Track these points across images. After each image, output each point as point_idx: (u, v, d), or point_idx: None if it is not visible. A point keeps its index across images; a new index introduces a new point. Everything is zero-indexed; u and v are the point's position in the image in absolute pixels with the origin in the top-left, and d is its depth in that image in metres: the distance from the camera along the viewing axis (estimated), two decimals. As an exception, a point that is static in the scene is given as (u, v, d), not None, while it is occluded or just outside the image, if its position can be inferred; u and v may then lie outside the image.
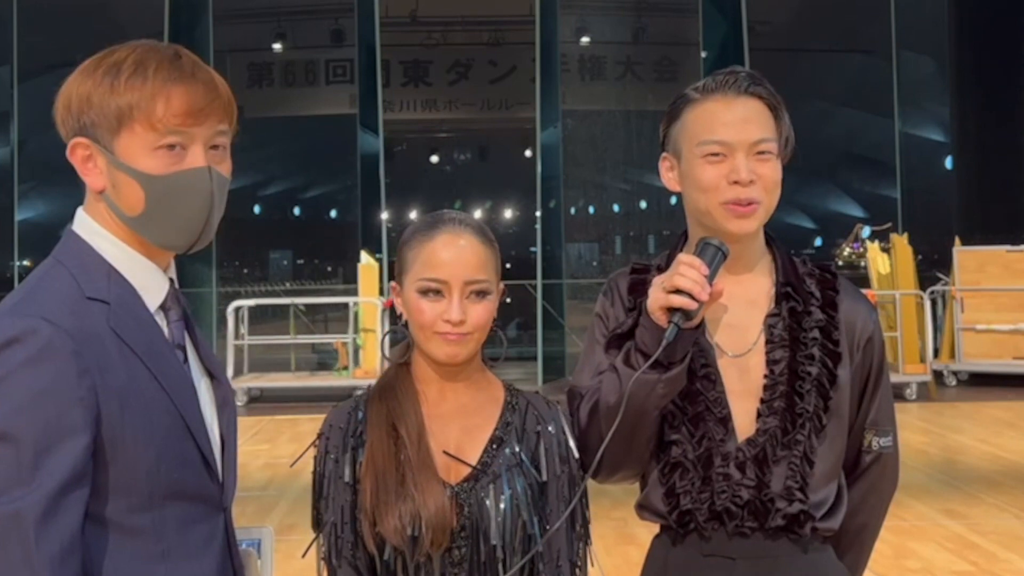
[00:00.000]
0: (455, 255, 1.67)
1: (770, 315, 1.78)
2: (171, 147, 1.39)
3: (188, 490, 1.40)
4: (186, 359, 1.47)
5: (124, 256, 1.42)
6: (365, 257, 11.91)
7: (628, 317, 1.80)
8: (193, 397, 1.44)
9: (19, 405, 1.28)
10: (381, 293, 11.17)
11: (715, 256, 1.65)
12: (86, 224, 1.44)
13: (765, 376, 1.75)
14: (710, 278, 1.62)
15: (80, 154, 1.41)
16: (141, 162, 1.39)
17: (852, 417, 1.82)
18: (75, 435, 1.30)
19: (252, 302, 11.86)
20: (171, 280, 1.48)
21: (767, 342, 1.76)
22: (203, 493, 1.44)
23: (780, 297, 1.78)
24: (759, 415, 1.74)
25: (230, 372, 10.90)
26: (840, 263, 16.29)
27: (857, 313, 1.81)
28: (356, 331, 11.34)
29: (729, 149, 1.72)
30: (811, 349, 1.75)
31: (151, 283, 1.44)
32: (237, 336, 11.29)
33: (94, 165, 1.41)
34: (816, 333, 1.76)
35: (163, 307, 1.45)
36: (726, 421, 1.74)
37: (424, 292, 1.68)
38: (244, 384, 11.09)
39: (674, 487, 1.76)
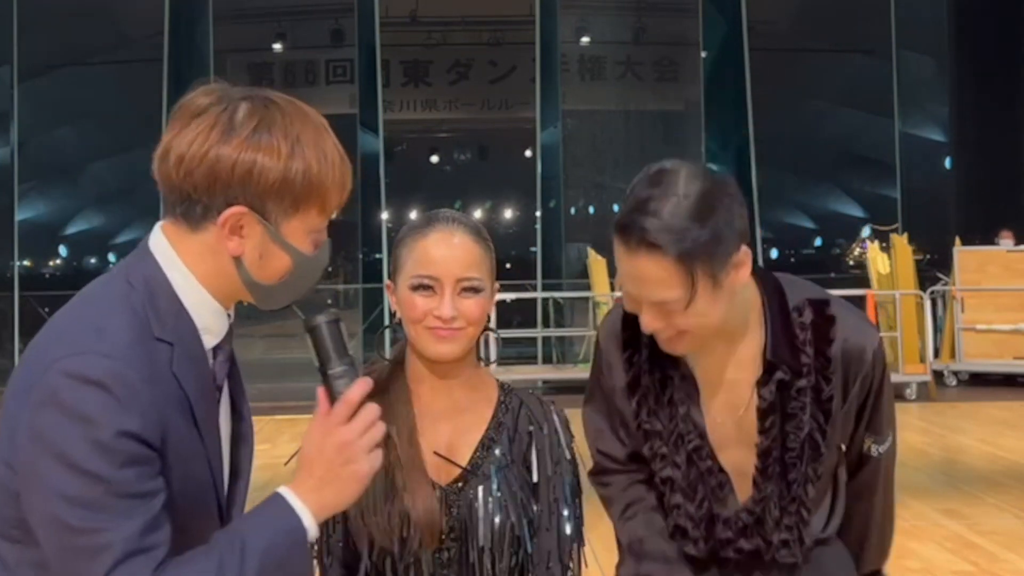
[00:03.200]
0: (447, 252, 1.68)
1: (759, 384, 1.74)
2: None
3: (193, 532, 1.38)
4: (220, 398, 1.46)
5: (196, 296, 1.40)
6: (592, 253, 12.24)
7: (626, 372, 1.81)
8: (220, 443, 1.44)
9: (107, 446, 1.26)
10: (612, 289, 11.41)
11: (334, 338, 1.42)
12: (164, 251, 1.39)
13: (756, 445, 1.75)
14: (346, 356, 1.42)
15: (233, 223, 1.36)
16: (301, 242, 1.40)
17: (850, 432, 1.82)
18: (156, 487, 1.30)
19: (510, 295, 12.12)
20: (229, 315, 1.46)
21: (758, 409, 1.75)
22: (206, 534, 1.42)
23: (768, 366, 1.73)
24: (755, 483, 1.76)
25: (494, 365, 10.97)
26: (851, 262, 16.27)
27: (851, 358, 1.74)
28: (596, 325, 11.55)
29: (635, 301, 1.69)
30: (800, 416, 1.73)
31: (214, 325, 1.42)
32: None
33: (243, 235, 1.37)
34: (807, 398, 1.73)
35: (217, 346, 1.44)
36: (723, 485, 1.77)
37: (416, 288, 1.68)
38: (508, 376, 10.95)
39: (677, 541, 1.80)
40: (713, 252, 1.59)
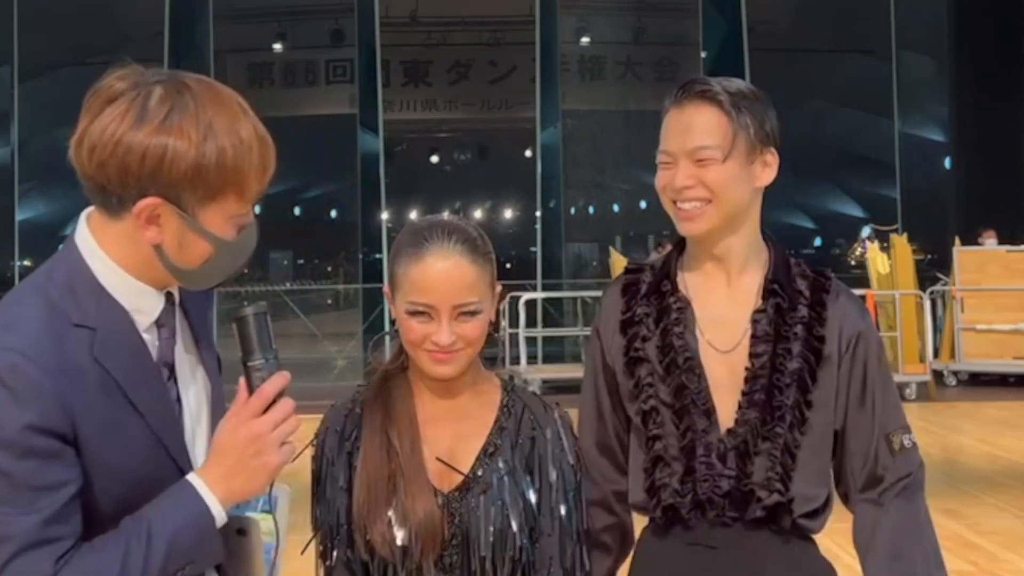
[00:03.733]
0: (443, 279, 1.64)
1: (757, 311, 1.80)
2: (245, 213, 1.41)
3: None
4: (171, 375, 1.46)
5: (118, 280, 1.40)
6: (614, 252, 12.49)
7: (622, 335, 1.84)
8: (174, 417, 1.45)
9: (4, 441, 1.28)
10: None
11: (260, 331, 1.46)
12: (86, 241, 1.41)
13: (746, 369, 1.78)
14: (270, 348, 1.46)
15: (148, 214, 1.35)
16: (222, 229, 1.38)
17: (855, 422, 1.82)
18: (63, 478, 1.32)
19: (542, 295, 12.21)
20: (169, 294, 1.46)
21: (752, 336, 1.79)
22: None
23: (767, 293, 1.81)
24: (739, 407, 1.77)
25: (523, 362, 11.51)
26: (853, 262, 16.29)
27: (847, 314, 1.82)
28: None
29: (673, 157, 1.78)
30: (791, 344, 1.78)
31: (144, 304, 1.42)
32: (527, 327, 11.81)
33: (159, 225, 1.36)
34: (799, 329, 1.78)
35: (157, 323, 1.44)
36: (710, 413, 1.77)
37: (413, 314, 1.65)
38: (540, 375, 11.36)
39: (655, 482, 1.78)
40: (756, 124, 1.77)
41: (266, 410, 1.41)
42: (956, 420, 9.76)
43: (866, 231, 13.49)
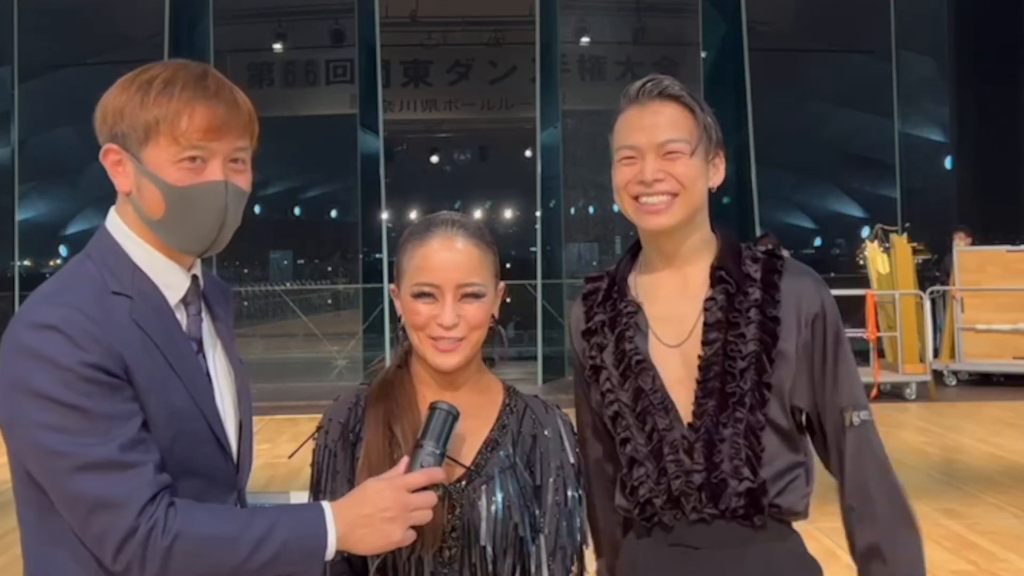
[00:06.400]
0: (448, 258, 1.68)
1: (707, 299, 1.82)
2: (192, 159, 1.50)
3: (201, 468, 1.52)
4: (199, 350, 1.57)
5: (147, 255, 1.55)
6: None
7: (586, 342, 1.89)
8: (206, 385, 1.55)
9: (69, 380, 1.40)
10: None
11: (443, 426, 1.61)
12: (115, 224, 1.57)
13: (699, 357, 1.80)
14: (443, 445, 1.61)
15: (111, 158, 1.54)
16: (165, 172, 1.51)
17: (812, 396, 1.83)
18: (128, 410, 1.44)
19: None
20: (194, 277, 1.59)
21: (704, 324, 1.81)
22: (215, 472, 1.55)
23: (714, 281, 1.83)
24: (696, 398, 1.79)
25: None
26: (861, 262, 16.31)
27: (803, 289, 1.83)
28: None
29: (639, 152, 1.81)
30: (745, 328, 1.78)
31: (172, 280, 1.56)
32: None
33: (123, 169, 1.54)
34: (752, 312, 1.79)
35: (184, 301, 1.57)
36: (668, 410, 1.79)
37: (418, 296, 1.68)
38: None
39: (631, 480, 1.81)
40: (711, 124, 1.83)
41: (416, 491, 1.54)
42: (956, 420, 9.77)
43: (865, 231, 13.46)
